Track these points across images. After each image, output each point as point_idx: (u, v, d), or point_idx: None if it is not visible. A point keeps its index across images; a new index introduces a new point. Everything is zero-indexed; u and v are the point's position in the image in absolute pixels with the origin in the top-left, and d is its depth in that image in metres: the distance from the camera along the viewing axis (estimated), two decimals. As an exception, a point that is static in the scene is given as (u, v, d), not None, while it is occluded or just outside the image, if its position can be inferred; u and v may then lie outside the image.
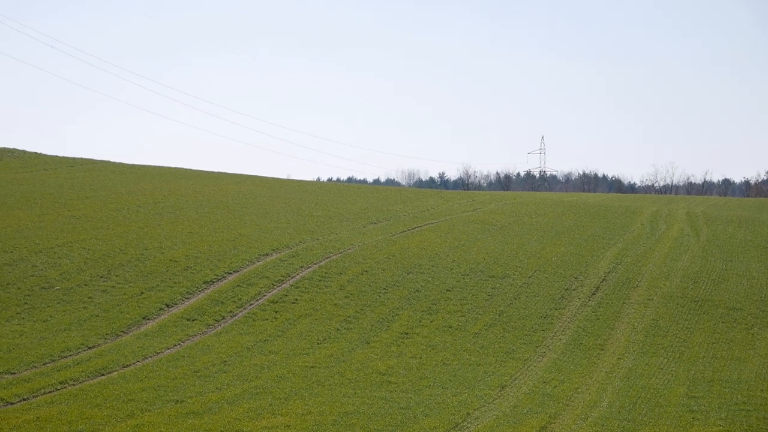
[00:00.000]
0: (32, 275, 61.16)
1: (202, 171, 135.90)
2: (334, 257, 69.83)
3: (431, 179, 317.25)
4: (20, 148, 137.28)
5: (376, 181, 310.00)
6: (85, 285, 60.06)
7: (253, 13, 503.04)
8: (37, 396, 40.88)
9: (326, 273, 65.41)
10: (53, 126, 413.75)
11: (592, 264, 71.52)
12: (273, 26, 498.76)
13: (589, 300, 62.35)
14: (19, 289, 58.60)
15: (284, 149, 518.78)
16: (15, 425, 36.31)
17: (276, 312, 57.50)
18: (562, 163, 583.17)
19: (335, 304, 59.41)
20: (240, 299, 59.13)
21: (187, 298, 58.84)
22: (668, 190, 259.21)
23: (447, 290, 63.27)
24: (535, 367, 49.08)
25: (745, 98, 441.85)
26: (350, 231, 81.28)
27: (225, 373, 45.66)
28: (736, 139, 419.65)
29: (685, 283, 66.46)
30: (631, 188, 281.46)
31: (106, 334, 51.55)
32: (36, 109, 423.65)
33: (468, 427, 38.62)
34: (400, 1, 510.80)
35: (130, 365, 46.36)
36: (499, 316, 58.53)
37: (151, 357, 48.05)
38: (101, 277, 61.76)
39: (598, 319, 58.58)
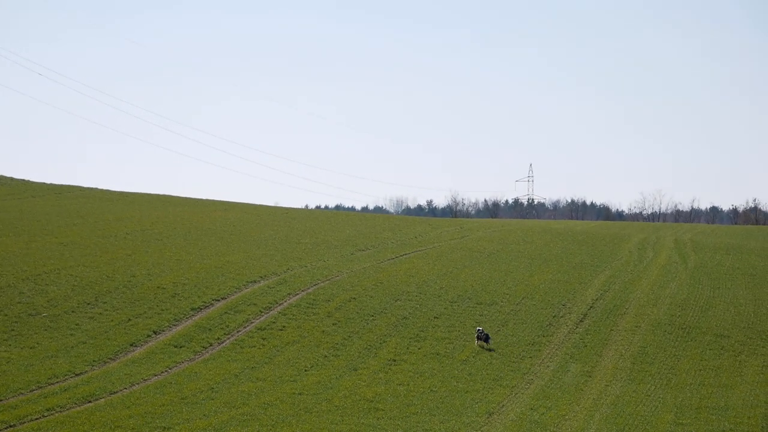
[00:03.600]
0: (19, 302, 61.00)
1: (189, 198, 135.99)
2: (322, 284, 69.82)
3: (419, 207, 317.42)
4: (7, 175, 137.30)
5: (365, 209, 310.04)
6: (73, 312, 59.93)
7: (240, 40, 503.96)
8: (23, 423, 40.74)
9: (314, 300, 65.39)
10: (41, 153, 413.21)
11: (579, 291, 71.62)
12: (261, 53, 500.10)
13: (577, 327, 62.41)
14: (5, 315, 58.43)
15: (272, 177, 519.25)
16: (1, 452, 36.18)
17: (263, 339, 57.44)
18: (550, 191, 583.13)
19: (323, 331, 59.38)
20: (227, 326, 59.06)
21: (174, 325, 58.74)
22: (656, 217, 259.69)
23: (435, 317, 63.28)
24: (522, 394, 49.09)
25: (733, 126, 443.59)
26: (338, 258, 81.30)
27: (212, 400, 45.57)
28: (723, 167, 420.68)
29: (673, 311, 66.57)
30: (619, 216, 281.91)
31: (94, 361, 51.42)
32: (23, 136, 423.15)
33: (456, 454, 38.60)
34: (388, 30, 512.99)
35: (117, 392, 46.23)
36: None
37: (138, 384, 47.93)
38: (88, 304, 61.64)
39: (586, 346, 58.63)
